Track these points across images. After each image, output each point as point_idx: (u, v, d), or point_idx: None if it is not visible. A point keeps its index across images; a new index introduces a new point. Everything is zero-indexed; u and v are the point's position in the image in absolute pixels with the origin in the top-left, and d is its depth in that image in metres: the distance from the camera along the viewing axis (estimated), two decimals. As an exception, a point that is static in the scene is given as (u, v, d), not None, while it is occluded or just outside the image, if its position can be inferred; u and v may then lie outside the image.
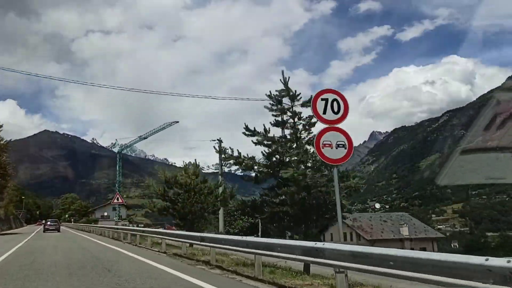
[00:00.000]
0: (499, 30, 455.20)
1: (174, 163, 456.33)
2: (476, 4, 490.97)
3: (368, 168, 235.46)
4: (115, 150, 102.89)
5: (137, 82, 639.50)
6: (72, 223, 78.81)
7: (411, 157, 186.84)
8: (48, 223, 46.18)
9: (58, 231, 43.41)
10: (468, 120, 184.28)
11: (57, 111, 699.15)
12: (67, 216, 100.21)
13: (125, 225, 66.68)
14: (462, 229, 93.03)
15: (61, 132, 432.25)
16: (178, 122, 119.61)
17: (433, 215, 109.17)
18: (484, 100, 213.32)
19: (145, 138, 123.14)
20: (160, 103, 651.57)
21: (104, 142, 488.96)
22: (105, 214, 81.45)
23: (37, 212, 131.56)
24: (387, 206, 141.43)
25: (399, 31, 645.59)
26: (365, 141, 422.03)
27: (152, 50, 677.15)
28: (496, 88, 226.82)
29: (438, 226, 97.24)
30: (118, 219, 77.15)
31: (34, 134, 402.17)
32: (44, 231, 42.08)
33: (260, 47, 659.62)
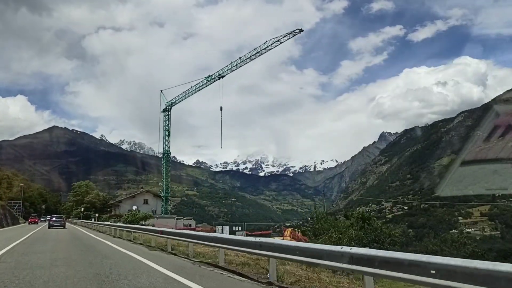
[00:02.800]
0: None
1: (183, 161, 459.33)
2: (490, 6, 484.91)
3: (380, 168, 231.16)
4: (164, 103, 79.61)
5: (147, 79, 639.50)
6: (94, 221, 52.18)
7: (425, 158, 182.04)
8: (54, 218, 46.07)
9: (64, 227, 43.47)
10: (484, 121, 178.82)
11: (67, 107, 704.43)
12: (82, 209, 78.51)
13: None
14: (493, 232, 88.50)
15: (70, 128, 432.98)
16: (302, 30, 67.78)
17: (460, 218, 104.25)
18: (499, 101, 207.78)
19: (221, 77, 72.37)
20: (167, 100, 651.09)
21: (113, 139, 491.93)
22: (135, 208, 61.80)
23: (43, 206, 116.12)
24: (405, 208, 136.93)
25: (411, 31, 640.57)
26: (374, 142, 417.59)
27: (162, 47, 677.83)
28: (510, 89, 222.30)
29: (467, 230, 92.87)
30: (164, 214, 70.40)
31: (43, 130, 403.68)
32: (49, 227, 41.81)
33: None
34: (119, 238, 23.21)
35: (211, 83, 74.22)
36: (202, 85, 74.89)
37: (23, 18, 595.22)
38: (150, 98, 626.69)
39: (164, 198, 76.88)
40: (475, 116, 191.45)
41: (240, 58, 69.60)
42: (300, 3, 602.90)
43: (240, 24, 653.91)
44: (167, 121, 79.48)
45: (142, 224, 37.85)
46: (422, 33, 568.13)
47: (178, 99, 78.97)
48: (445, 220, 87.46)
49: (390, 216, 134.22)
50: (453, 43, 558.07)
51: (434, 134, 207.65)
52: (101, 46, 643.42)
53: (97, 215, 65.04)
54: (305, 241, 28.41)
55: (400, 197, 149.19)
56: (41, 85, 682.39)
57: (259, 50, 67.28)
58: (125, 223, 36.72)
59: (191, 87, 76.87)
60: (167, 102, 79.18)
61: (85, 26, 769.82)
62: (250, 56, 68.16)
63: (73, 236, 26.10)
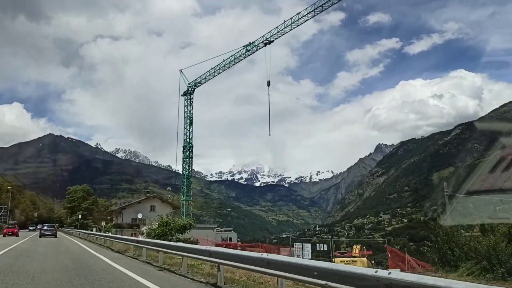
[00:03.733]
0: (507, 47, 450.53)
1: (178, 170, 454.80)
2: (485, 20, 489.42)
3: (377, 180, 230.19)
4: (186, 84, 64.40)
5: (144, 88, 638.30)
6: (95, 231, 45.89)
7: (423, 170, 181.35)
8: (45, 227, 44.41)
9: (55, 236, 42.02)
10: (481, 134, 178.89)
11: (63, 115, 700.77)
12: (79, 217, 68.41)
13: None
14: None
15: (66, 136, 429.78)
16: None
17: (462, 231, 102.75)
18: (497, 114, 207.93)
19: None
20: (164, 109, 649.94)
21: (108, 147, 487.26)
22: (140, 216, 56.14)
23: (35, 214, 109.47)
24: (405, 220, 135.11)
25: (407, 44, 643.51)
26: (370, 153, 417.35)
27: (160, 56, 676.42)
28: (508, 102, 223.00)
29: (471, 244, 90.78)
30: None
31: (39, 138, 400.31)
32: (40, 236, 40.55)
33: (267, 56, 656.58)
34: (136, 259, 16.47)
35: (251, 53, 60.43)
36: (239, 56, 60.53)
37: (21, 25, 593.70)
38: (147, 106, 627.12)
39: (185, 203, 63.36)
40: (472, 128, 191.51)
41: (292, 18, 58.81)
42: (298, 14, 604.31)
43: (237, 34, 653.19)
44: (188, 106, 66.09)
45: (178, 239, 25.46)
46: (418, 46, 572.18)
47: (204, 77, 65.40)
48: (447, 233, 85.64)
49: (389, 228, 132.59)
50: (449, 56, 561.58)
51: (431, 146, 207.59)
52: (99, 55, 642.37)
53: (103, 223, 54.78)
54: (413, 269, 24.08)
55: (399, 209, 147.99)
56: (37, 92, 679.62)
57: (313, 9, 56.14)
58: (151, 237, 26.33)
59: (223, 60, 62.17)
60: (189, 83, 65.88)
61: (83, 35, 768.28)
62: (303, 16, 57.84)
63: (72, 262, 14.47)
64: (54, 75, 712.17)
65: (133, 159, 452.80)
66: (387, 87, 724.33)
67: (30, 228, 73.75)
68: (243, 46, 59.74)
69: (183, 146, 65.51)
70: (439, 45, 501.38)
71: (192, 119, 65.82)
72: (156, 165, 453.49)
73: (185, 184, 64.48)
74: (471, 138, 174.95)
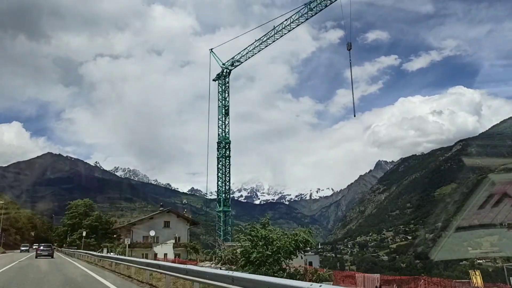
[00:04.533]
0: (505, 63, 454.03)
1: (177, 188, 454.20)
2: (483, 38, 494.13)
3: (379, 196, 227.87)
4: (220, 65, 55.75)
5: (143, 107, 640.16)
6: (106, 253, 37.68)
7: (424, 187, 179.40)
8: (41, 247, 42.92)
9: (52, 256, 40.77)
10: (482, 150, 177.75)
11: (62, 134, 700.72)
12: (83, 234, 62.54)
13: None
14: (506, 264, 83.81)
15: (65, 155, 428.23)
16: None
17: (469, 248, 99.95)
18: (497, 130, 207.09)
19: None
20: (164, 128, 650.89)
21: (107, 166, 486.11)
22: (153, 233, 48.30)
23: (32, 233, 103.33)
24: (409, 237, 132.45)
25: (406, 61, 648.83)
26: (371, 170, 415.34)
27: (159, 75, 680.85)
28: (508, 118, 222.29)
29: (478, 261, 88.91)
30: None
31: (37, 157, 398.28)
32: (36, 257, 39.55)
33: (267, 74, 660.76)
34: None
35: (316, 13, 50.39)
36: (299, 17, 50.71)
37: (21, 45, 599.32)
38: (147, 125, 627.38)
39: (222, 215, 56.48)
40: (473, 144, 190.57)
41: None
42: (296, 33, 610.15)
43: (237, 52, 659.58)
44: (223, 93, 55.56)
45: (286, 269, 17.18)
46: (417, 63, 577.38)
47: (243, 54, 55.20)
48: (454, 251, 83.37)
49: (394, 246, 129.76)
50: (447, 73, 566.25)
51: (433, 163, 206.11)
52: (98, 73, 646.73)
53: (127, 242, 42.06)
54: None
55: (402, 226, 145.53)
56: (37, 111, 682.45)
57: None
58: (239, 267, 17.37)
59: (274, 28, 52.48)
60: (224, 64, 55.39)
61: (83, 54, 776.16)
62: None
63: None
64: (54, 94, 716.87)
65: (132, 178, 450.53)
66: (386, 104, 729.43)
67: (22, 248, 64.60)
68: (304, 4, 50.04)
69: (217, 143, 56.56)
70: (438, 62, 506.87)
71: (228, 108, 56.11)
72: (155, 183, 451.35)
73: (223, 190, 57.01)
74: (471, 154, 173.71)
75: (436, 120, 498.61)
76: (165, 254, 50.78)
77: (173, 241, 54.89)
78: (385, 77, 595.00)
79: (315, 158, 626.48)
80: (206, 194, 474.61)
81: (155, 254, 51.37)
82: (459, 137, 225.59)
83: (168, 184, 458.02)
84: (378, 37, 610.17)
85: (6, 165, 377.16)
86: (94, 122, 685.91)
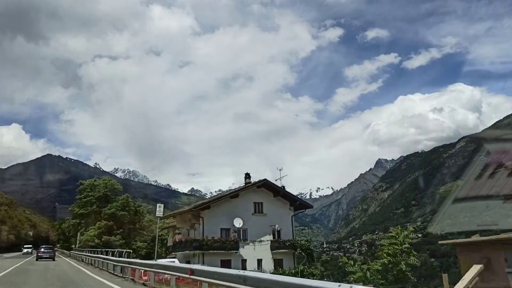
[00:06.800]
0: (505, 60, 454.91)
1: (177, 189, 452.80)
2: (482, 35, 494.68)
3: (382, 195, 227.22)
4: None
5: (142, 107, 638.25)
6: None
7: (429, 184, 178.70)
8: (42, 250, 41.28)
9: (53, 259, 38.71)
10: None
11: (61, 136, 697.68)
12: (95, 240, 45.17)
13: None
14: None
15: (64, 157, 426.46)
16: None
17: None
18: (500, 126, 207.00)
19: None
20: (163, 129, 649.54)
21: (107, 167, 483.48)
22: (239, 224, 34.27)
23: (30, 233, 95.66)
24: (419, 235, 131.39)
25: (405, 59, 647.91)
26: (371, 169, 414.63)
27: (158, 76, 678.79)
28: (510, 114, 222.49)
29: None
30: None
31: (37, 158, 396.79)
32: (37, 259, 37.83)
33: (266, 73, 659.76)
34: None
35: None
36: None
37: (20, 47, 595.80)
38: (146, 125, 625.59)
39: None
40: (476, 141, 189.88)
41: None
42: (296, 32, 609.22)
43: (236, 52, 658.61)
44: None
45: None
46: (417, 61, 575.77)
47: None
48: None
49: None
50: (447, 70, 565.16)
51: (436, 160, 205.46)
52: (97, 75, 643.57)
53: (197, 236, 31.32)
54: None
55: (408, 224, 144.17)
56: (36, 113, 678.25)
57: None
58: None
59: None
60: None
61: (81, 55, 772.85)
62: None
63: None
64: (53, 95, 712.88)
65: (132, 178, 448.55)
66: (386, 102, 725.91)
67: (25, 251, 58.13)
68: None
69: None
70: (438, 60, 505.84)
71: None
72: (155, 184, 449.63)
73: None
74: (476, 150, 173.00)
75: (436, 118, 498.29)
76: (259, 261, 34.11)
77: (270, 237, 35.59)
78: (385, 75, 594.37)
79: (315, 157, 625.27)
80: (206, 194, 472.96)
81: (243, 261, 33.36)
82: (460, 135, 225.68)
83: (168, 184, 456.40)
84: (378, 35, 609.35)
85: (6, 167, 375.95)
86: (93, 124, 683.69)
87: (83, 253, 38.15)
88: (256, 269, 31.23)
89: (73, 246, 56.90)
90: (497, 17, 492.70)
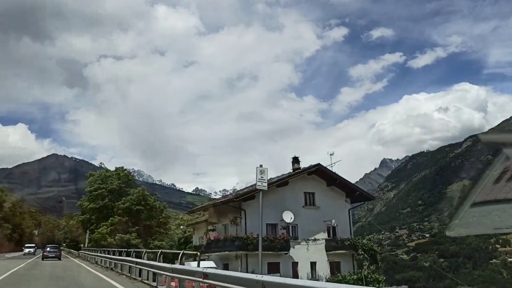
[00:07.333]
0: (511, 59, 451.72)
1: (182, 188, 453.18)
2: (488, 34, 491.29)
3: (388, 194, 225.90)
4: None
5: (147, 107, 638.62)
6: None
7: (435, 183, 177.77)
8: (48, 249, 41.21)
9: (59, 259, 38.84)
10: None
11: (67, 135, 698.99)
12: (107, 239, 41.46)
13: None
14: None
15: (69, 156, 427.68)
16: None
17: (497, 246, 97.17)
18: (507, 125, 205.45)
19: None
20: (168, 128, 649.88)
21: (112, 166, 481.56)
22: (290, 219, 28.87)
23: (35, 232, 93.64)
24: (426, 235, 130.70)
25: (411, 58, 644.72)
26: (376, 168, 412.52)
27: (163, 75, 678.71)
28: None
29: (510, 259, 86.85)
30: None
31: (42, 158, 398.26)
32: (42, 259, 38.10)
33: (270, 73, 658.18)
34: None
35: None
36: None
37: (26, 47, 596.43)
38: (151, 125, 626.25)
39: None
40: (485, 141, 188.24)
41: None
42: (300, 31, 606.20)
43: (240, 51, 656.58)
44: None
45: None
46: (422, 60, 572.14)
47: None
48: (481, 249, 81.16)
49: (412, 244, 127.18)
50: (452, 70, 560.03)
51: (442, 159, 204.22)
52: (102, 75, 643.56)
53: (241, 233, 27.54)
54: None
55: (415, 224, 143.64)
56: (42, 113, 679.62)
57: None
58: None
59: None
60: None
61: (87, 55, 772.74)
62: None
63: None
64: (58, 95, 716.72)
65: (137, 178, 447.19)
66: (391, 101, 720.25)
67: (26, 251, 53.95)
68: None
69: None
70: (443, 59, 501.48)
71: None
72: (160, 183, 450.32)
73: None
74: (484, 149, 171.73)
75: (441, 117, 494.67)
76: (313, 264, 29.39)
77: (325, 235, 30.88)
78: (389, 74, 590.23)
79: (319, 157, 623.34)
80: (211, 194, 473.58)
81: (294, 264, 28.60)
82: (465, 134, 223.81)
83: (173, 184, 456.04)
84: (383, 35, 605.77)
85: (11, 166, 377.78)
86: (98, 124, 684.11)
87: (97, 254, 32.76)
88: (309, 275, 27.69)
89: (82, 245, 53.55)
90: (502, 17, 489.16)
